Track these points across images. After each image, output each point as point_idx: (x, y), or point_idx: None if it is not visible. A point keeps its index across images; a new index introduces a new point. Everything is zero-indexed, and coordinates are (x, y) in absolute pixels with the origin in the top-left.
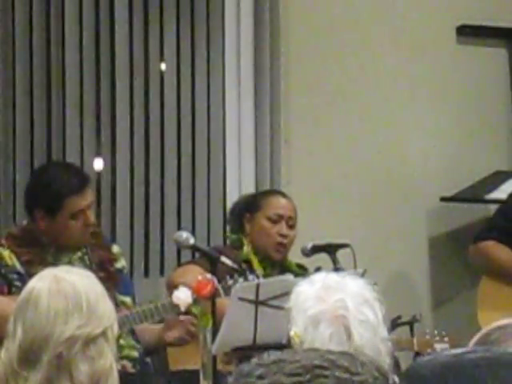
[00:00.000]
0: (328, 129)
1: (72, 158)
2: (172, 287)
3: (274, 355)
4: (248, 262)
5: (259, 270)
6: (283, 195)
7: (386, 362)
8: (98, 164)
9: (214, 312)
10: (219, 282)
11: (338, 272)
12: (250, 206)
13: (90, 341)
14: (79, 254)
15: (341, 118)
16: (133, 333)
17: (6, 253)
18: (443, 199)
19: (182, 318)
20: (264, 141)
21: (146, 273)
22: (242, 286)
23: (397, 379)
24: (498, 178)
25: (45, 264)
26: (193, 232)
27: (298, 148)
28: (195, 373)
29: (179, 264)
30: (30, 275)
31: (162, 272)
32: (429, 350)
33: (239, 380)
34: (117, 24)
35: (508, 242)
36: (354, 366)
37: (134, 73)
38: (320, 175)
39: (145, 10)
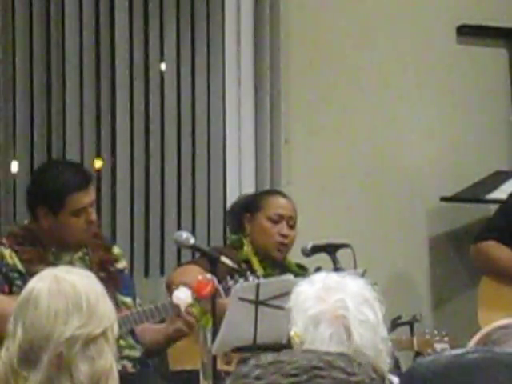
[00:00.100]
0: (328, 129)
1: (72, 157)
2: (172, 287)
3: (271, 356)
4: (248, 262)
5: (259, 270)
6: (283, 195)
7: (385, 361)
8: (98, 164)
9: (214, 312)
10: (219, 282)
11: (338, 272)
12: (250, 206)
13: (90, 341)
14: (80, 254)
15: (341, 119)
16: (133, 333)
17: (7, 252)
18: (443, 199)
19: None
20: (264, 141)
21: (146, 273)
22: (242, 286)
23: (397, 379)
24: (497, 178)
25: (46, 263)
26: (193, 232)
27: (298, 148)
28: (195, 373)
29: (179, 264)
30: (31, 274)
31: (162, 272)
32: (429, 350)
33: (237, 381)
34: (117, 24)
35: (508, 242)
36: (350, 366)
37: (134, 73)
38: (320, 175)
39: (145, 10)
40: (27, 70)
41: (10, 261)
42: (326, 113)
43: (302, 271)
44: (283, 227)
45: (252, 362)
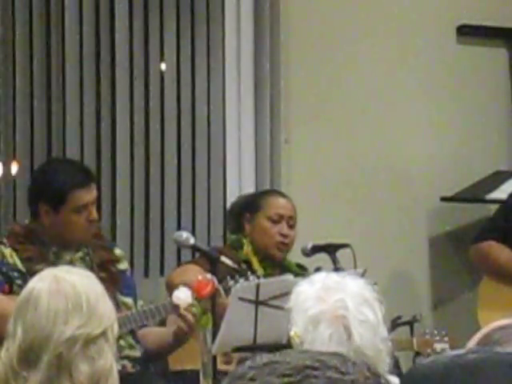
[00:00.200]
0: (328, 129)
1: (72, 157)
2: (172, 287)
3: (266, 357)
4: (248, 262)
5: (259, 270)
6: (283, 195)
7: (385, 362)
8: (98, 164)
9: (214, 312)
10: (219, 282)
11: (338, 272)
12: (249, 206)
13: (90, 341)
14: (80, 253)
15: (341, 118)
16: (133, 333)
17: (8, 251)
18: (443, 199)
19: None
20: (264, 141)
21: (146, 273)
22: (242, 286)
23: (397, 380)
24: (497, 178)
25: (46, 262)
26: (193, 232)
27: (297, 148)
28: (195, 373)
29: (179, 264)
30: (32, 273)
31: (162, 272)
32: (429, 350)
33: (232, 382)
34: (117, 24)
35: (508, 242)
36: (344, 366)
37: (134, 73)
38: (320, 175)
39: (145, 9)
40: (27, 70)
41: (10, 260)
42: (326, 113)
43: (301, 271)
44: (283, 227)
45: (248, 363)
